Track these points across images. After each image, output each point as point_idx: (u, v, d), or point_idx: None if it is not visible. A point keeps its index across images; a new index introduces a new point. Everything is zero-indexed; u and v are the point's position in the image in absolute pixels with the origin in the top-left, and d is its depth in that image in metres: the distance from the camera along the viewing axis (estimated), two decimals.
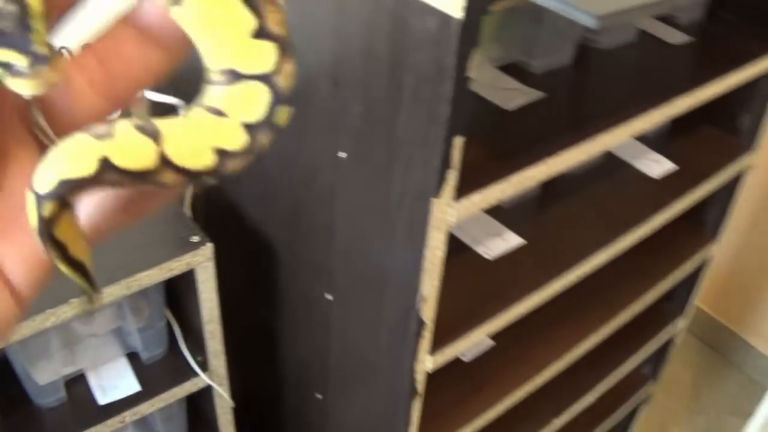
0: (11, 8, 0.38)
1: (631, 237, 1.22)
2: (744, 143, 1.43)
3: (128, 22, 0.40)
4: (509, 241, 1.20)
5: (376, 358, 1.13)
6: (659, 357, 1.83)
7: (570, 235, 1.21)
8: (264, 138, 0.39)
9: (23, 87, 0.37)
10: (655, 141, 1.40)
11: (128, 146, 0.38)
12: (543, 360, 1.31)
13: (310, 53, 0.96)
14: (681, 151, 1.39)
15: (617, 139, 1.05)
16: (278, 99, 0.39)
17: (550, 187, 1.24)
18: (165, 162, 0.37)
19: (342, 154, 0.99)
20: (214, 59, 0.39)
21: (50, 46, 0.37)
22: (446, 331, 1.04)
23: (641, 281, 1.45)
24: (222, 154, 0.38)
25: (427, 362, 1.05)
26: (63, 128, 0.39)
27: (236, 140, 0.38)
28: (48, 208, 0.37)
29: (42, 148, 0.40)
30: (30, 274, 0.39)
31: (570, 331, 1.36)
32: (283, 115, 0.39)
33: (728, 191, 1.49)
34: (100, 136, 0.37)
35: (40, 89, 0.37)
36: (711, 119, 1.45)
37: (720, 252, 2.38)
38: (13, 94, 0.38)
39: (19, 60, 0.37)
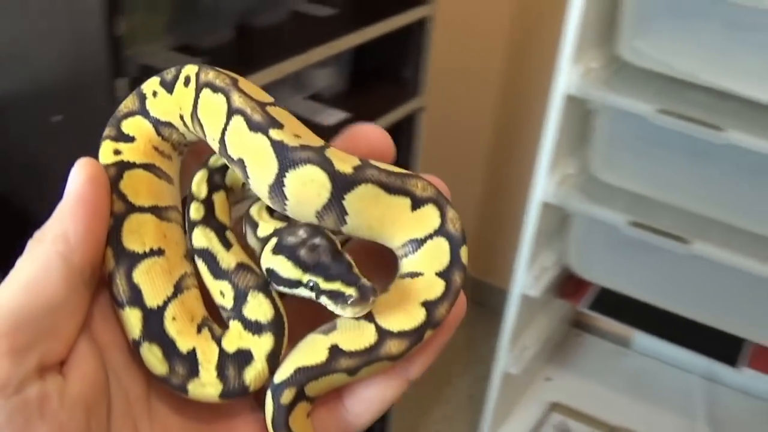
0: (323, 242, 0.42)
1: None
2: (410, 90, 1.70)
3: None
4: None
5: None
6: None
7: None
8: (457, 278, 0.43)
9: (349, 313, 0.40)
10: (333, 99, 1.65)
11: (350, 332, 0.42)
12: None
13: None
14: (356, 104, 1.65)
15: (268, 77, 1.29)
16: (456, 243, 0.44)
17: None
18: (385, 333, 0.41)
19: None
20: (393, 241, 0.44)
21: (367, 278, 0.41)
22: None
23: None
24: (428, 305, 0.42)
25: None
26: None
27: (436, 289, 0.43)
28: (286, 396, 0.41)
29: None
30: None
31: None
32: (465, 253, 0.44)
33: (407, 133, 1.75)
34: (325, 331, 0.42)
35: (362, 313, 0.40)
36: (382, 76, 1.72)
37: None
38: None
39: (348, 291, 0.40)
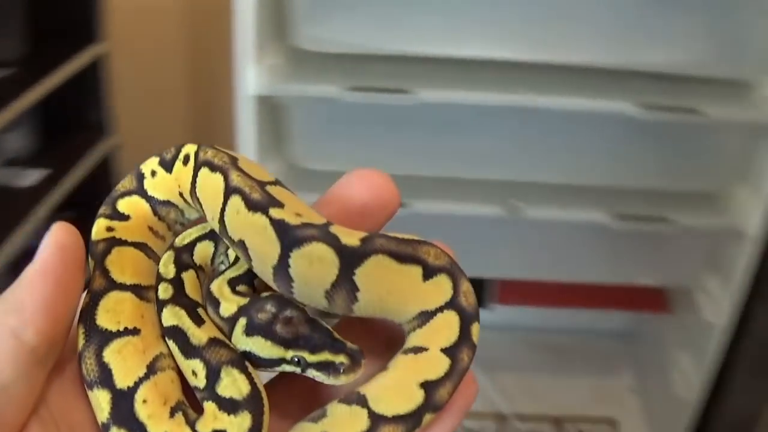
0: (295, 312, 0.39)
1: None
2: (101, 132, 1.68)
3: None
4: None
5: None
6: None
7: None
8: (464, 356, 0.40)
9: (342, 381, 0.38)
10: (31, 160, 1.61)
11: (341, 418, 0.38)
12: None
13: None
14: (53, 159, 1.61)
15: None
16: (467, 318, 0.40)
17: None
18: (378, 418, 0.38)
19: None
20: (404, 314, 0.40)
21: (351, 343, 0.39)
22: None
23: None
24: (428, 386, 0.39)
25: None
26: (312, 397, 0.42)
27: (439, 367, 0.39)
28: None
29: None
30: None
31: None
32: (477, 330, 0.40)
33: (106, 176, 1.72)
34: (315, 419, 0.39)
35: (355, 379, 0.38)
36: (73, 124, 1.68)
37: None
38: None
39: (338, 359, 0.38)
